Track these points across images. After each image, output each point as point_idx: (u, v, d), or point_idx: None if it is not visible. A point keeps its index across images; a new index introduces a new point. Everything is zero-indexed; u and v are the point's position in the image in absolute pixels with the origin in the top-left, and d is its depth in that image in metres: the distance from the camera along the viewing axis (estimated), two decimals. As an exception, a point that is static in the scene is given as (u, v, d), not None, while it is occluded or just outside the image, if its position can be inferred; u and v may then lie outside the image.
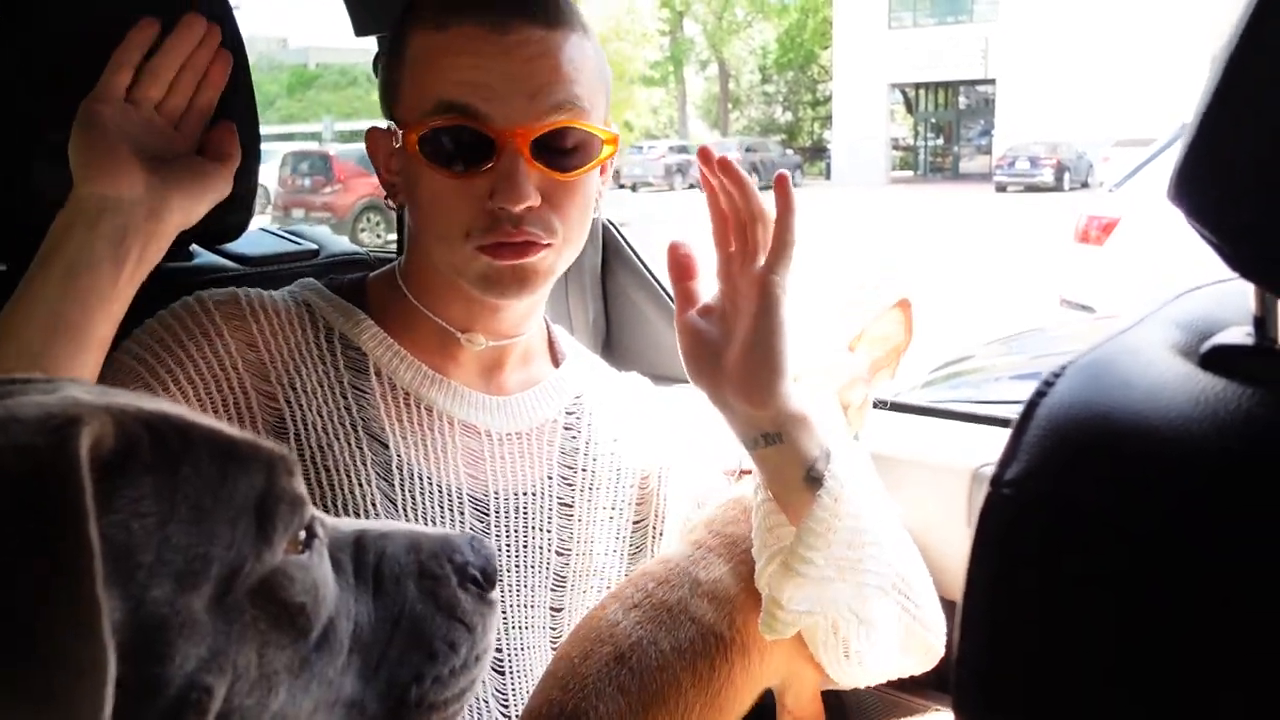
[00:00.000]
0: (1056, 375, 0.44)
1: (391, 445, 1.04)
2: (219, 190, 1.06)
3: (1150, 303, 0.53)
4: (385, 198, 1.13)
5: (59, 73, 1.15)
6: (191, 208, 1.02)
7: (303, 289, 1.13)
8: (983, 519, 0.42)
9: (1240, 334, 0.45)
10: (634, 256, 1.56)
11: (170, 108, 1.04)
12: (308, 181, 17.57)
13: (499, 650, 1.06)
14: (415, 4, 1.07)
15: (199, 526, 0.47)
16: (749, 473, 1.11)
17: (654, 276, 1.57)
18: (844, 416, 1.16)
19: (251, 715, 0.49)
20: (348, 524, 0.60)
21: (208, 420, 0.52)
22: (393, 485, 1.03)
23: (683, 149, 30.09)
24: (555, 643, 1.09)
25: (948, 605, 1.13)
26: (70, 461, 0.42)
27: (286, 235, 1.58)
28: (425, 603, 0.60)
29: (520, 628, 1.08)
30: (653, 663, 0.98)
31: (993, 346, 4.22)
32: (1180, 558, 0.36)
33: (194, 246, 1.44)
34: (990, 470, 1.19)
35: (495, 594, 0.65)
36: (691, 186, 27.88)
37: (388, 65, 1.10)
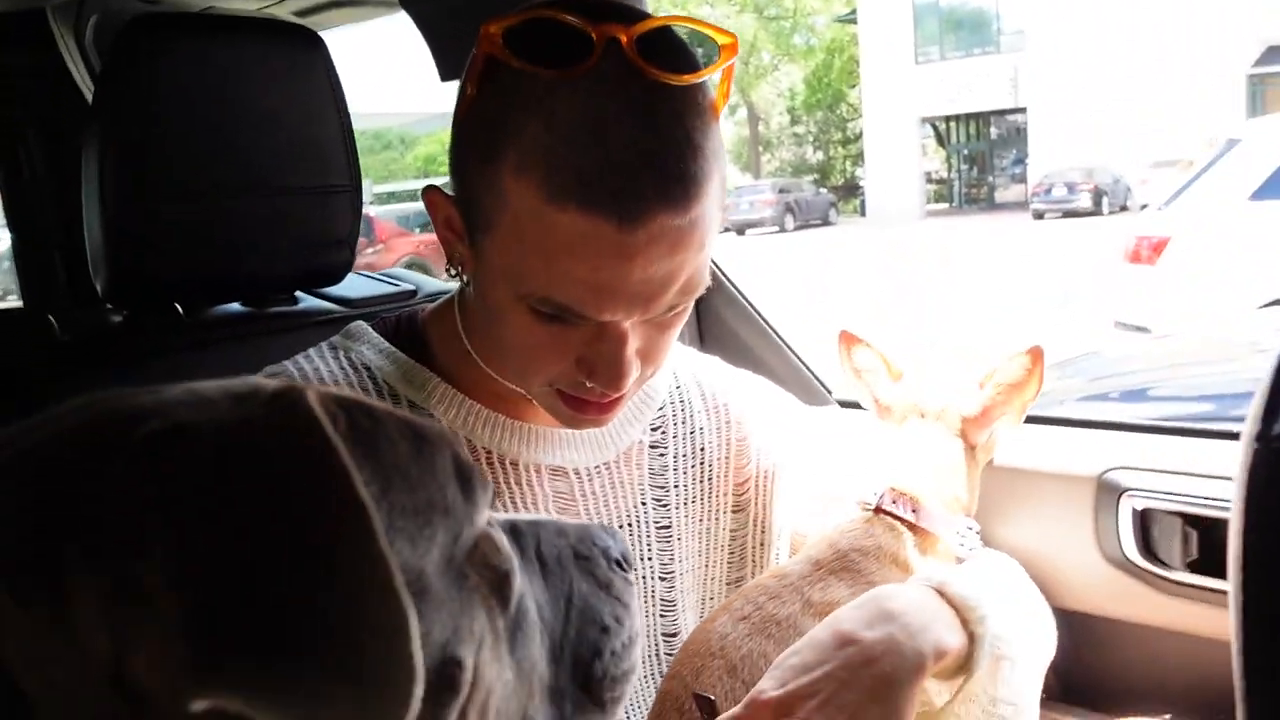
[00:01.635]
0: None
1: None
2: None
3: None
4: (447, 267, 0.99)
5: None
6: None
7: (357, 342, 1.04)
8: (1251, 476, 0.41)
9: None
10: (729, 284, 1.57)
11: None
12: (349, 243, 17.91)
13: None
14: (521, 130, 0.83)
15: (414, 494, 0.46)
16: (873, 497, 1.10)
17: (749, 303, 1.57)
18: (965, 454, 1.16)
19: (494, 693, 0.49)
20: (498, 515, 0.60)
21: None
22: None
23: (716, 193, 30.23)
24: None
25: (1064, 614, 1.12)
26: (315, 422, 0.40)
27: (382, 278, 1.61)
28: (587, 581, 0.61)
29: None
30: (763, 673, 0.97)
31: (1047, 372, 4.19)
32: None
33: (298, 291, 1.47)
34: (1117, 475, 1.19)
35: (632, 577, 0.65)
36: (725, 230, 27.98)
37: (469, 166, 0.89)
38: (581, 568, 0.61)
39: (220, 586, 0.35)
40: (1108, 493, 1.21)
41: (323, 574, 0.37)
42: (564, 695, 0.56)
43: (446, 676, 0.45)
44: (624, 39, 0.82)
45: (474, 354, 1.00)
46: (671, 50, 0.85)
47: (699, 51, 0.88)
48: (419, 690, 0.38)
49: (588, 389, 0.92)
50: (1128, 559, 1.20)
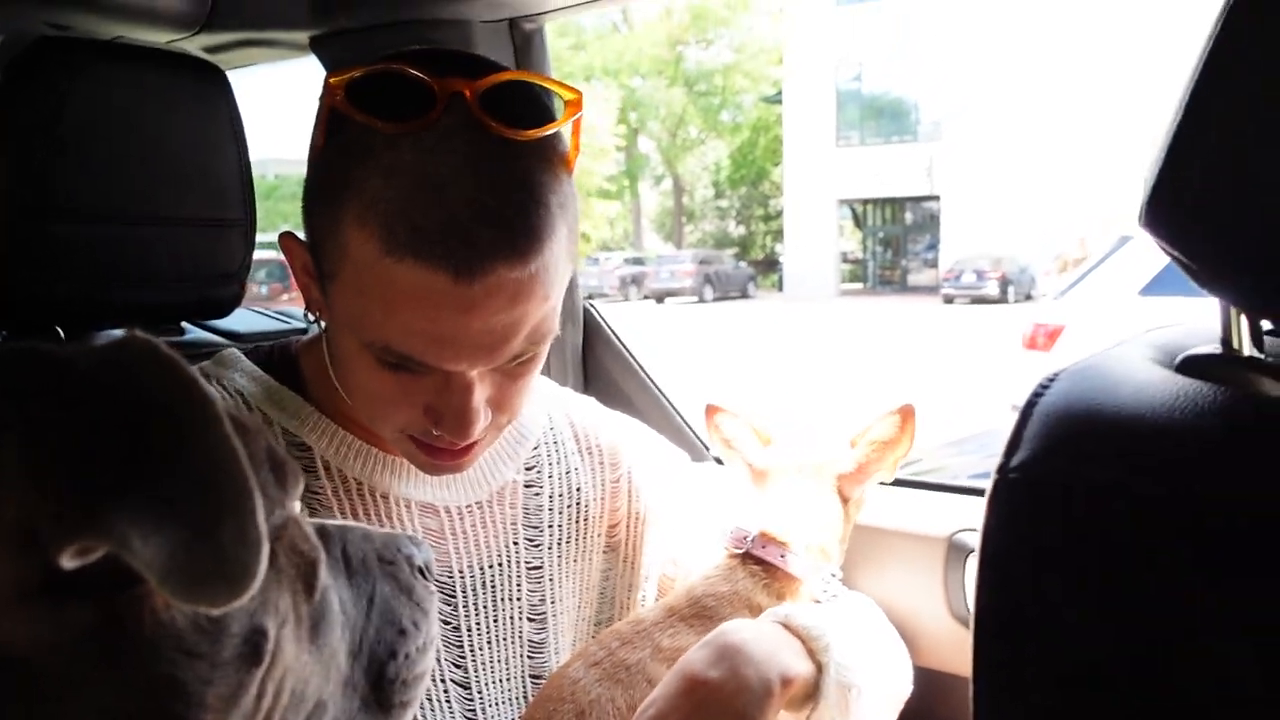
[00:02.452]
0: (1051, 379, 0.49)
1: None
2: None
3: (1124, 334, 0.59)
4: (304, 311, 1.00)
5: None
6: None
7: (228, 369, 1.03)
8: (991, 504, 0.46)
9: (1209, 348, 0.51)
10: (615, 338, 1.61)
11: None
12: (264, 289, 17.64)
13: None
14: (362, 182, 0.84)
15: None
16: (742, 546, 1.14)
17: (634, 358, 1.61)
18: (841, 507, 1.20)
19: (291, 672, 0.51)
20: (308, 518, 0.63)
21: None
22: None
23: (638, 260, 30.60)
24: None
25: (919, 671, 1.16)
26: (158, 345, 0.44)
27: (273, 314, 1.61)
28: (389, 584, 0.64)
29: (498, 703, 1.06)
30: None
31: (943, 450, 4.32)
32: (1173, 522, 0.41)
33: (185, 322, 1.47)
34: (965, 536, 1.24)
35: (433, 587, 0.68)
36: (646, 297, 28.25)
37: (316, 215, 0.90)
38: (385, 571, 0.63)
39: (86, 451, 0.39)
40: (957, 552, 1.26)
41: (178, 438, 0.41)
42: (355, 690, 0.59)
43: (252, 643, 0.47)
44: (468, 93, 0.84)
45: (346, 398, 0.99)
46: (517, 104, 0.87)
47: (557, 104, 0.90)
48: (263, 563, 0.41)
49: (436, 436, 0.92)
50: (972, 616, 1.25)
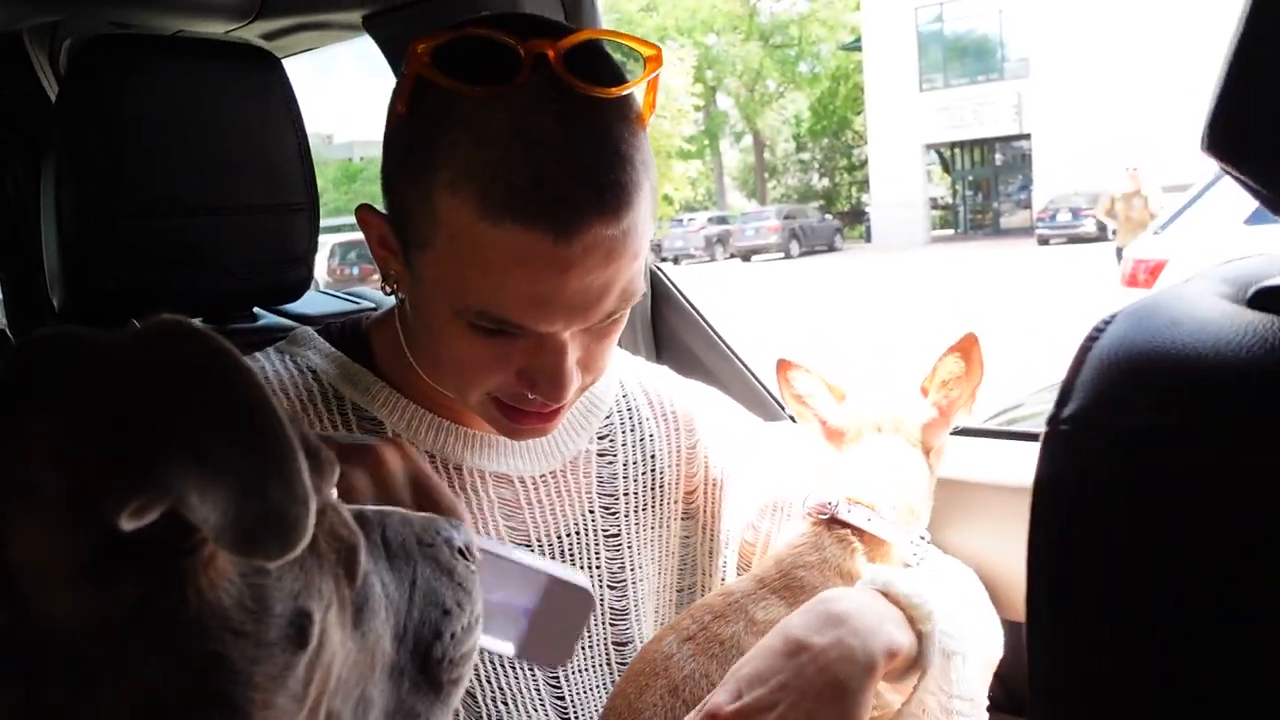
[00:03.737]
0: (1106, 322, 0.45)
1: None
2: None
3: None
4: (381, 285, 1.00)
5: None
6: None
7: (302, 347, 1.05)
8: (1042, 458, 0.43)
9: (1287, 279, 0.46)
10: (683, 300, 1.59)
11: None
12: (355, 270, 18.07)
13: (561, 698, 1.04)
14: (453, 148, 0.84)
15: None
16: (826, 512, 1.11)
17: (703, 319, 1.59)
18: (925, 461, 1.17)
19: (337, 657, 0.51)
20: (344, 505, 0.63)
21: None
22: None
23: (722, 219, 30.37)
24: None
25: (1010, 626, 1.13)
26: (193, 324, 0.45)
27: (345, 295, 1.63)
28: (430, 567, 0.63)
29: (581, 670, 1.06)
30: (705, 695, 0.96)
31: (1043, 394, 4.19)
32: (1234, 476, 0.37)
33: (257, 309, 1.49)
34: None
35: (474, 566, 0.67)
36: (731, 256, 28.05)
37: (401, 186, 0.90)
38: (425, 554, 0.63)
39: (135, 417, 0.40)
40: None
41: (221, 401, 0.42)
42: (403, 674, 0.59)
43: (297, 625, 0.47)
44: (551, 54, 0.84)
45: (415, 365, 1.00)
46: (598, 63, 0.87)
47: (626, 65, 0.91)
48: (313, 520, 0.42)
49: (528, 400, 0.93)
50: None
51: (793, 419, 1.54)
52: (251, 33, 1.60)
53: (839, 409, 1.22)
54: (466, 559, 0.66)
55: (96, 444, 0.39)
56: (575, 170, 0.82)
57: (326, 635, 0.50)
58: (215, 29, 1.58)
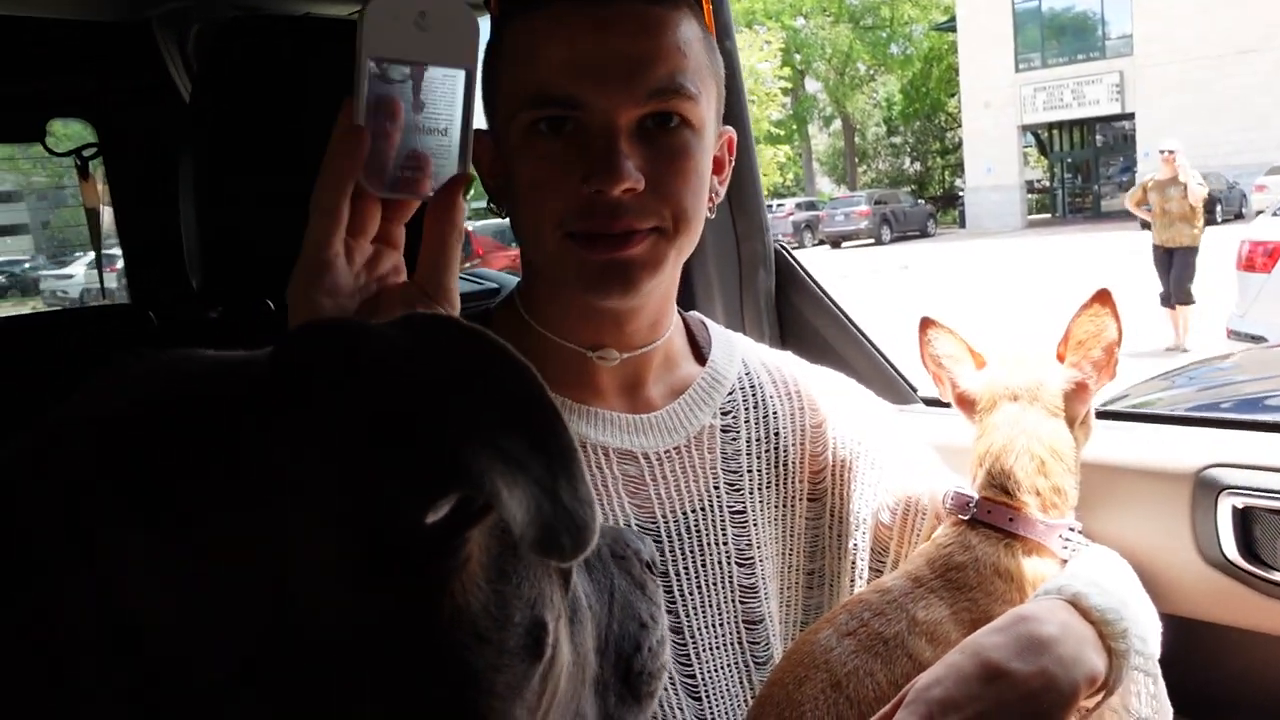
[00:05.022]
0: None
1: None
2: None
3: None
4: (489, 203, 1.06)
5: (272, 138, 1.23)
6: None
7: None
8: None
9: None
10: (809, 280, 1.55)
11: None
12: (466, 249, 18.40)
13: (691, 676, 1.03)
14: (505, 30, 0.98)
15: None
16: (965, 507, 1.07)
17: (830, 298, 1.55)
18: (1070, 433, 1.11)
19: (563, 672, 0.49)
20: None
21: None
22: None
23: (810, 205, 30.02)
24: (756, 659, 1.07)
25: (1164, 619, 1.07)
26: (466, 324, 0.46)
27: (467, 276, 1.63)
28: (625, 579, 0.63)
29: (712, 648, 1.05)
30: (869, 694, 0.94)
31: (1151, 383, 4.04)
32: None
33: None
34: (1217, 472, 1.13)
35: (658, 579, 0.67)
36: (820, 242, 27.71)
37: (487, 64, 1.00)
38: (619, 566, 0.62)
39: (438, 411, 0.40)
40: (1206, 490, 1.15)
41: (511, 401, 0.43)
42: (608, 688, 0.57)
43: (534, 635, 0.46)
44: None
45: (532, 321, 1.05)
46: None
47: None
48: (597, 520, 0.43)
49: (597, 218, 0.94)
50: (1228, 560, 1.14)
51: (925, 402, 1.49)
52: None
53: (975, 375, 1.17)
54: (653, 572, 0.65)
55: (384, 440, 0.39)
56: None
57: (559, 645, 0.48)
58: (339, 10, 1.59)
